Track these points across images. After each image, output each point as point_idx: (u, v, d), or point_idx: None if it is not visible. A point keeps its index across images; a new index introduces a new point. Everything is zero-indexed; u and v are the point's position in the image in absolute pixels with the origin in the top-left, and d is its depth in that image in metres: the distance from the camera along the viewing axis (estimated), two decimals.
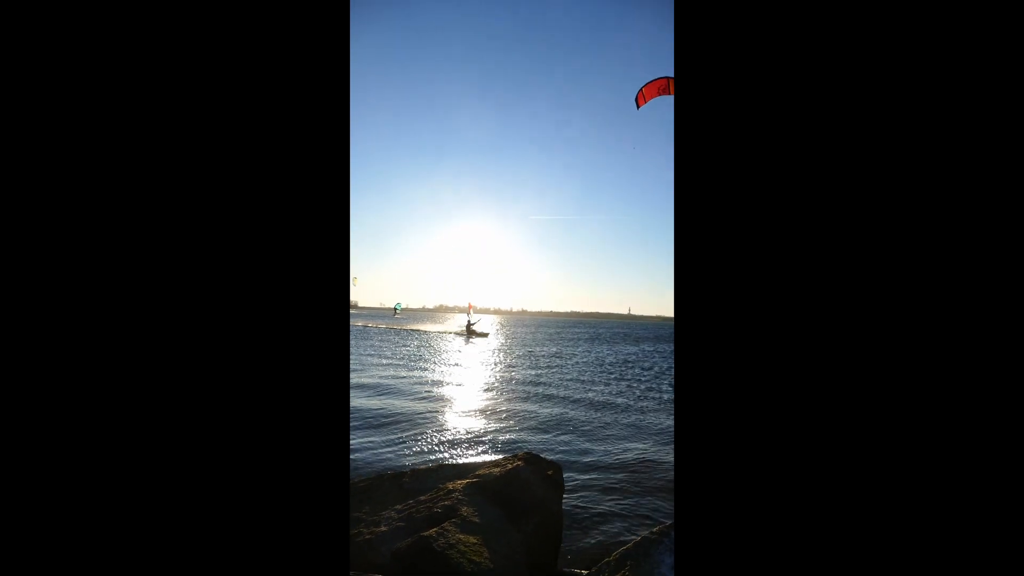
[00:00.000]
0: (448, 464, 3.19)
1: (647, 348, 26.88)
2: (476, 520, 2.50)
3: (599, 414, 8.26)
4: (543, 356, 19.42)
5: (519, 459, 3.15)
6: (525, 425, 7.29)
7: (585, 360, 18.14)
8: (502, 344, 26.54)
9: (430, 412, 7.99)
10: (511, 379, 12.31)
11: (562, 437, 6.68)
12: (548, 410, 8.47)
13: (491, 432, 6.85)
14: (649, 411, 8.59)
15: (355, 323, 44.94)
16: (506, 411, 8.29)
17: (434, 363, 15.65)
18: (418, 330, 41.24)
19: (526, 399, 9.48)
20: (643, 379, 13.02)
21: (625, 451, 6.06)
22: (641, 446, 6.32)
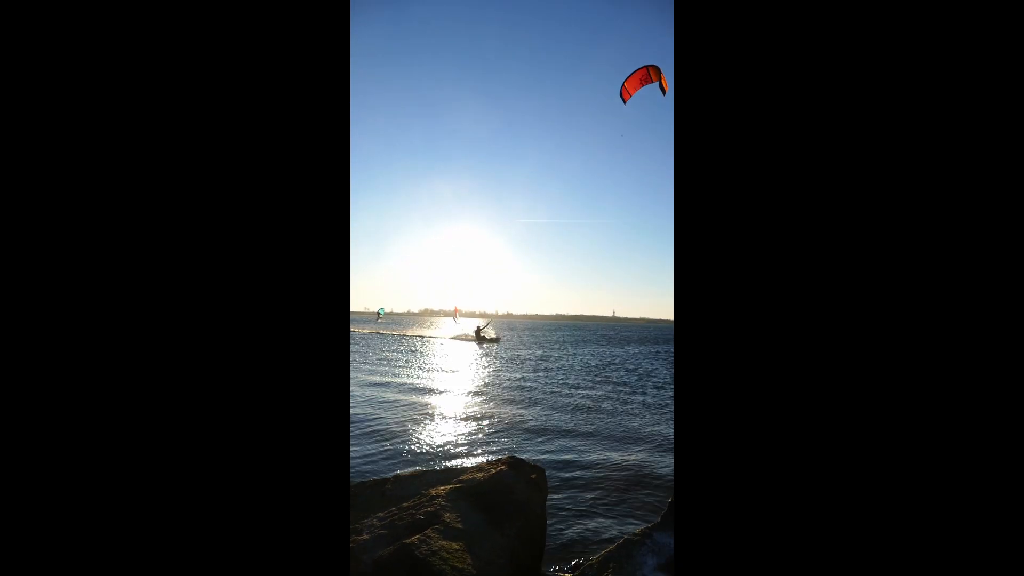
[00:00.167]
0: (431, 470, 3.17)
1: (632, 350, 27.10)
2: (459, 526, 2.49)
3: (584, 417, 8.29)
4: (529, 359, 19.42)
5: (503, 463, 3.15)
6: (510, 429, 7.28)
7: (570, 363, 18.20)
8: (487, 348, 26.47)
9: (416, 417, 7.92)
10: (497, 383, 12.28)
11: (547, 440, 6.68)
12: (533, 414, 8.48)
13: (476, 437, 6.83)
14: (633, 415, 8.66)
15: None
16: (492, 415, 8.26)
17: (421, 368, 15.53)
18: (420, 336, 38.19)
19: (512, 403, 9.47)
20: (628, 382, 13.12)
21: (609, 454, 6.10)
22: (624, 449, 6.37)
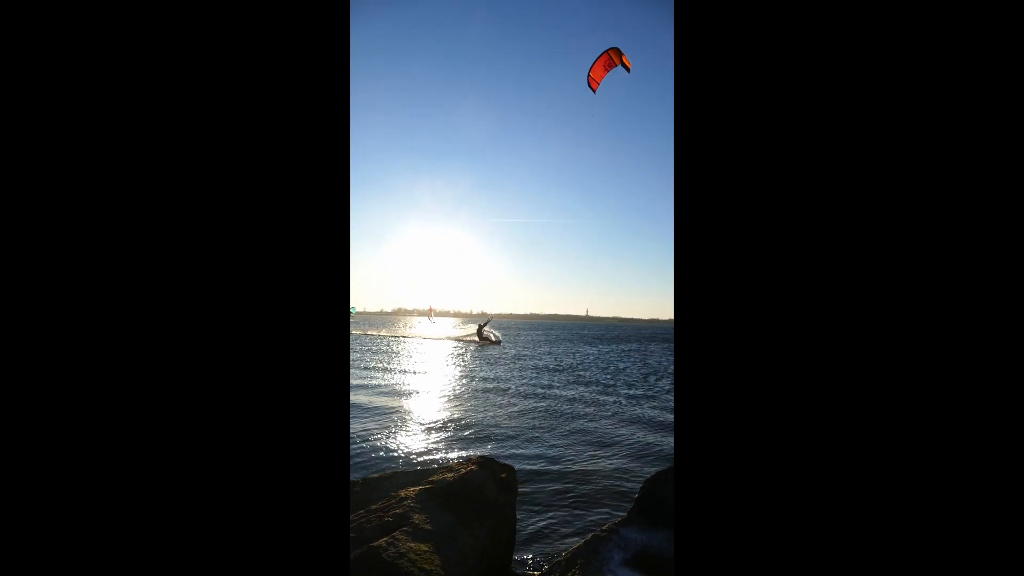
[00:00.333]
0: (401, 472, 3.14)
1: (604, 348, 27.50)
2: (428, 527, 2.48)
3: (556, 416, 8.38)
4: (502, 359, 19.45)
5: (473, 463, 3.15)
6: (483, 429, 7.29)
7: (544, 363, 18.32)
8: (457, 347, 26.36)
9: (386, 419, 7.83)
10: (470, 383, 12.25)
11: (518, 440, 6.72)
12: (506, 413, 8.50)
13: (448, 437, 6.80)
14: (604, 417, 8.79)
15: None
16: (465, 415, 8.25)
17: (393, 370, 15.32)
18: (404, 336, 35.87)
19: (486, 402, 9.48)
20: (600, 380, 13.31)
21: (579, 453, 6.18)
22: (595, 448, 6.47)
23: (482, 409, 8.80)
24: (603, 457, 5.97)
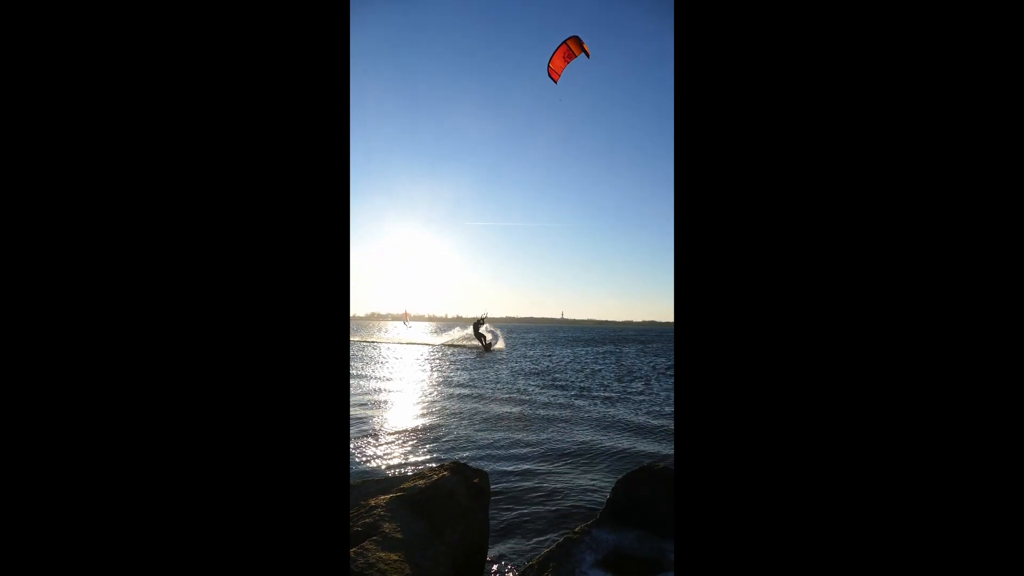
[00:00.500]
0: (370, 480, 3.09)
1: (579, 350, 27.73)
2: (398, 536, 2.44)
3: (531, 420, 8.39)
4: (479, 362, 19.38)
5: (445, 469, 3.12)
6: (457, 435, 7.23)
7: (520, 365, 18.33)
8: (433, 350, 26.13)
9: (357, 427, 7.68)
10: (444, 388, 12.15)
11: (492, 444, 6.70)
12: (481, 418, 8.47)
13: (421, 445, 6.73)
14: (579, 420, 8.85)
15: None
16: (439, 422, 8.17)
17: (365, 375, 15.06)
18: (380, 342, 32.76)
19: (459, 408, 9.42)
20: (576, 383, 13.41)
21: (552, 456, 6.21)
22: (567, 451, 6.50)
23: (456, 414, 8.74)
24: (576, 460, 6.01)
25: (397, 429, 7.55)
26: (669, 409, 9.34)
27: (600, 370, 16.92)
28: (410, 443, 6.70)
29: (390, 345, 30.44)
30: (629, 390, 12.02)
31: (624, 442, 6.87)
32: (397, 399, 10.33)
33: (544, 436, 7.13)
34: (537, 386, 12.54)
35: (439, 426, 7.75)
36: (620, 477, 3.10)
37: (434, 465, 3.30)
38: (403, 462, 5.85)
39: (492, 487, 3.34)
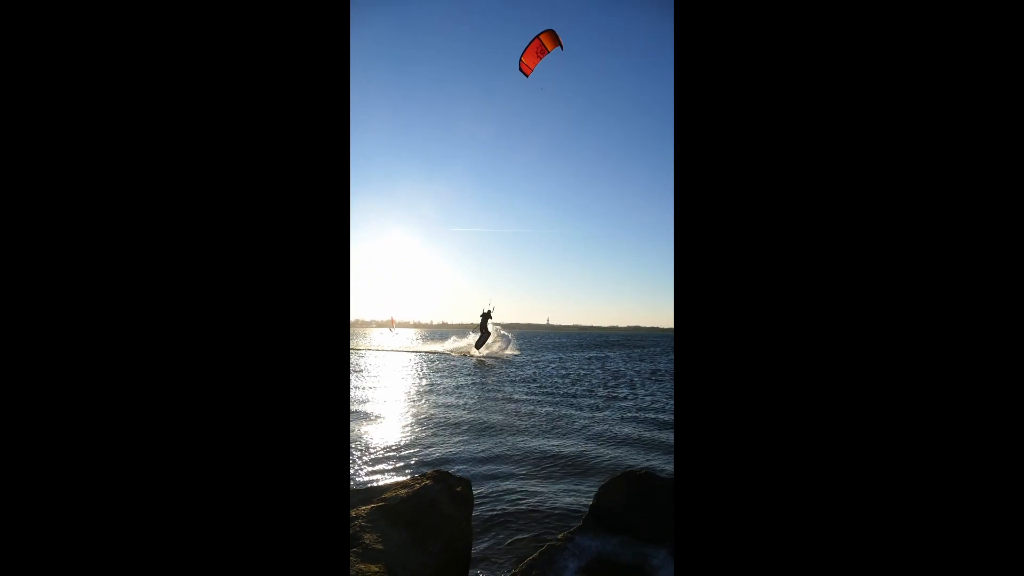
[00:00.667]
0: (353, 490, 3.04)
1: (563, 356, 27.81)
2: (380, 547, 2.41)
3: (515, 426, 8.37)
4: (463, 368, 19.28)
5: (428, 478, 3.10)
6: (439, 441, 7.18)
7: (505, 371, 18.30)
8: (421, 357, 25.93)
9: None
10: (429, 395, 12.06)
11: (475, 451, 6.67)
12: (465, 424, 8.42)
13: (403, 453, 6.65)
14: (564, 428, 8.86)
15: None
16: (421, 428, 8.10)
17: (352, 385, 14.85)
18: (368, 349, 31.14)
19: (444, 416, 9.35)
20: (561, 388, 13.43)
21: (536, 463, 6.21)
22: (551, 458, 6.50)
23: (440, 422, 8.68)
24: (560, 466, 6.02)
25: (379, 438, 7.45)
26: (654, 415, 9.42)
27: (585, 375, 16.98)
28: (392, 452, 6.63)
29: (376, 353, 29.94)
30: (614, 395, 12.09)
31: (608, 448, 6.90)
32: (380, 408, 10.21)
33: (528, 442, 7.12)
34: (523, 392, 12.53)
35: (422, 434, 7.68)
36: (603, 483, 3.11)
37: (416, 474, 3.27)
38: (385, 471, 5.78)
39: (475, 495, 3.32)
